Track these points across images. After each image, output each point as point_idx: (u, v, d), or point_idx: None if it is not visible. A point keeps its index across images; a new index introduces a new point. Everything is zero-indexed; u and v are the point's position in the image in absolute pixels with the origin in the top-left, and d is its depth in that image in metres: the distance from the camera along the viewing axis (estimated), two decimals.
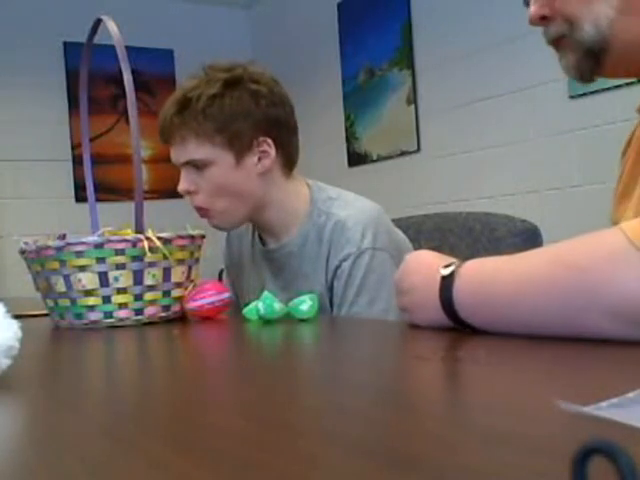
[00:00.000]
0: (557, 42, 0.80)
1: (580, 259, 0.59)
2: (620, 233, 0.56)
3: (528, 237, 1.40)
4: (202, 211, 1.27)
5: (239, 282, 1.43)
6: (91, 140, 3.71)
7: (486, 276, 0.67)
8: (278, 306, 0.95)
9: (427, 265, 0.74)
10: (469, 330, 0.69)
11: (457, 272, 0.68)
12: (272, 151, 1.24)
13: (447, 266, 0.70)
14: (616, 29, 0.75)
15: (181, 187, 1.25)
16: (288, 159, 1.28)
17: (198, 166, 1.22)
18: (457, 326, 0.69)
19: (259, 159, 1.24)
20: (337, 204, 1.26)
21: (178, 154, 1.24)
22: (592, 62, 0.78)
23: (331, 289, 1.24)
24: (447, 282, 0.68)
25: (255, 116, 1.22)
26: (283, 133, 1.26)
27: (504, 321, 0.65)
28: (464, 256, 0.76)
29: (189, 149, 1.22)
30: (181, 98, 1.21)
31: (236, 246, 1.44)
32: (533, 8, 0.80)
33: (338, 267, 1.22)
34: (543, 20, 0.79)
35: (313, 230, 1.26)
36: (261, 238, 1.36)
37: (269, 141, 1.24)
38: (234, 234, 1.45)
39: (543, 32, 0.81)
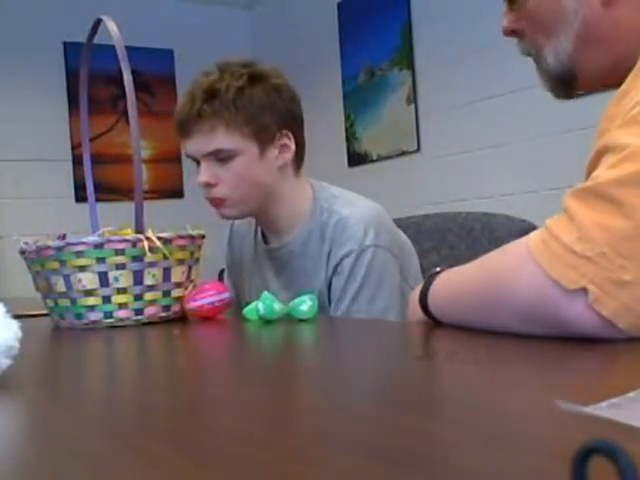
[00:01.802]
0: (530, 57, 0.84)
1: (495, 265, 0.67)
2: (525, 243, 0.62)
3: None
4: (218, 201, 1.25)
5: (240, 282, 1.43)
6: (91, 140, 3.70)
7: (448, 281, 0.77)
8: (278, 306, 0.95)
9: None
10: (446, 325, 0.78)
11: (434, 279, 0.79)
12: (292, 145, 1.26)
13: (434, 273, 0.80)
14: (576, 60, 0.78)
15: (202, 179, 1.23)
16: (301, 155, 1.30)
17: (222, 157, 1.21)
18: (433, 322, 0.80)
19: (279, 152, 1.25)
20: (339, 202, 1.27)
21: (203, 144, 1.22)
22: (563, 87, 0.83)
23: (330, 286, 1.24)
24: (425, 287, 0.79)
25: (280, 109, 1.24)
26: (299, 128, 1.29)
27: (459, 319, 0.74)
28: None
29: (218, 138, 1.20)
30: (208, 89, 1.20)
31: (237, 245, 1.44)
32: (505, 21, 0.83)
33: (338, 264, 1.22)
34: (514, 34, 0.83)
35: (316, 228, 1.26)
36: (264, 237, 1.36)
37: (290, 135, 1.26)
38: (236, 233, 1.44)
39: (517, 43, 0.85)
